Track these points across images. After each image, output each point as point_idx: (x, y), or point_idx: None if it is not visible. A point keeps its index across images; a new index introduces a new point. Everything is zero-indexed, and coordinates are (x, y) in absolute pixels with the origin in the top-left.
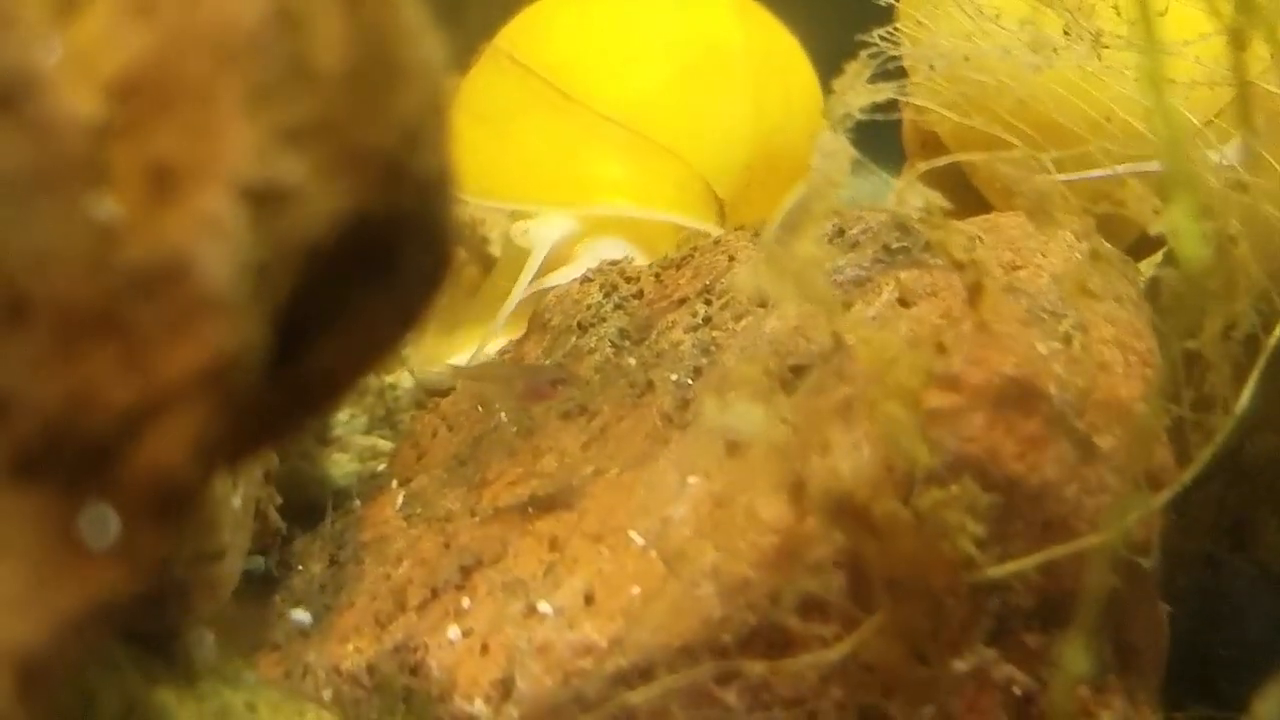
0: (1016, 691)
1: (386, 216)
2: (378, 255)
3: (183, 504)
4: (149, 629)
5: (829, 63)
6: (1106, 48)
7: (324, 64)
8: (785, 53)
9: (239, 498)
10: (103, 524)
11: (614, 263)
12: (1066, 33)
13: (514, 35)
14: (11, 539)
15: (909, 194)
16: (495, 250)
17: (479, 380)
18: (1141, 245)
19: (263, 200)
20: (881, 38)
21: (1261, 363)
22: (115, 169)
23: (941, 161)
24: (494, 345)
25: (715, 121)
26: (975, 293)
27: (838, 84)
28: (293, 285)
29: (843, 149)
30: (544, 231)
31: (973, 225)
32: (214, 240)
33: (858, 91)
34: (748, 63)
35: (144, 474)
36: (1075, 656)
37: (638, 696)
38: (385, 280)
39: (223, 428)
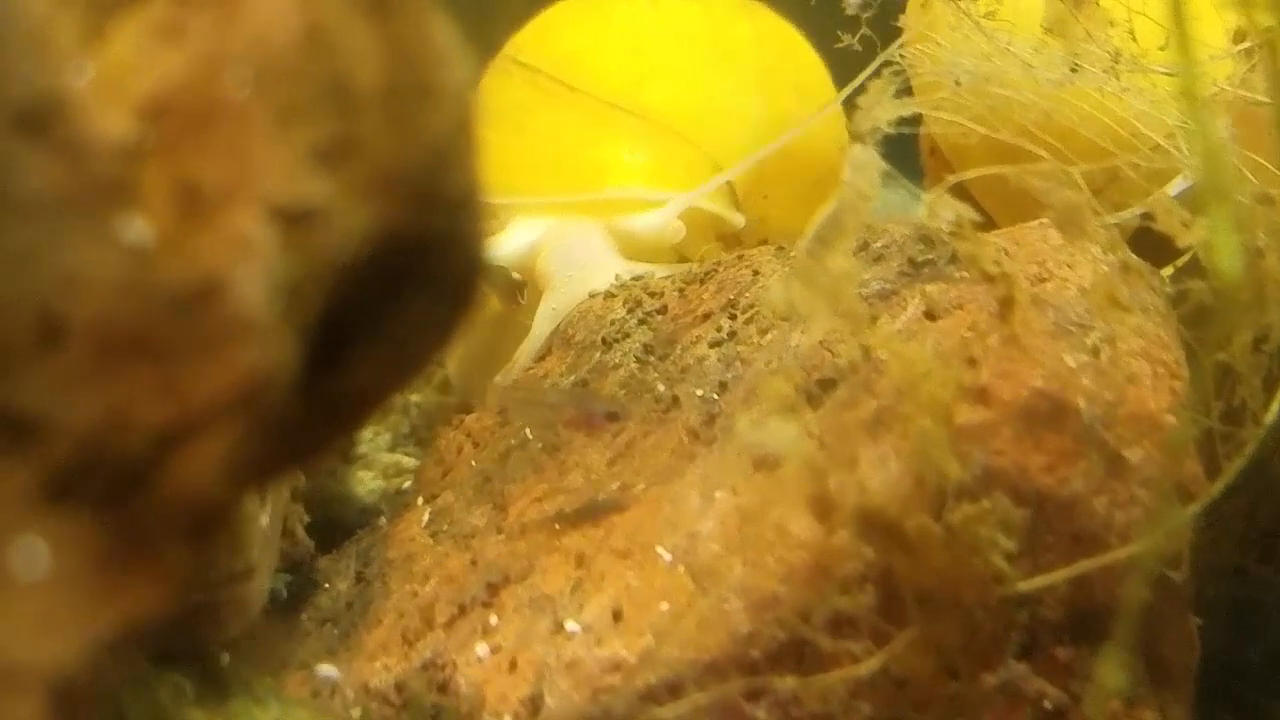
0: (1047, 705)
1: (417, 235)
2: (408, 274)
3: (215, 524)
4: (179, 648)
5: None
6: (1124, 69)
7: (355, 84)
8: (795, 49)
9: (267, 516)
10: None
11: (637, 278)
12: (1074, 68)
13: (527, 40)
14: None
15: (940, 206)
16: (516, 274)
17: (527, 405)
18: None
19: (294, 220)
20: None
21: None
22: (147, 190)
23: (972, 174)
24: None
25: (725, 108)
26: (1006, 306)
27: (863, 99)
28: (324, 305)
29: (873, 162)
30: (500, 244)
31: (997, 237)
32: (246, 261)
33: (885, 105)
34: (757, 55)
35: (177, 495)
36: (1111, 671)
37: (667, 713)
38: (416, 299)
39: (255, 448)
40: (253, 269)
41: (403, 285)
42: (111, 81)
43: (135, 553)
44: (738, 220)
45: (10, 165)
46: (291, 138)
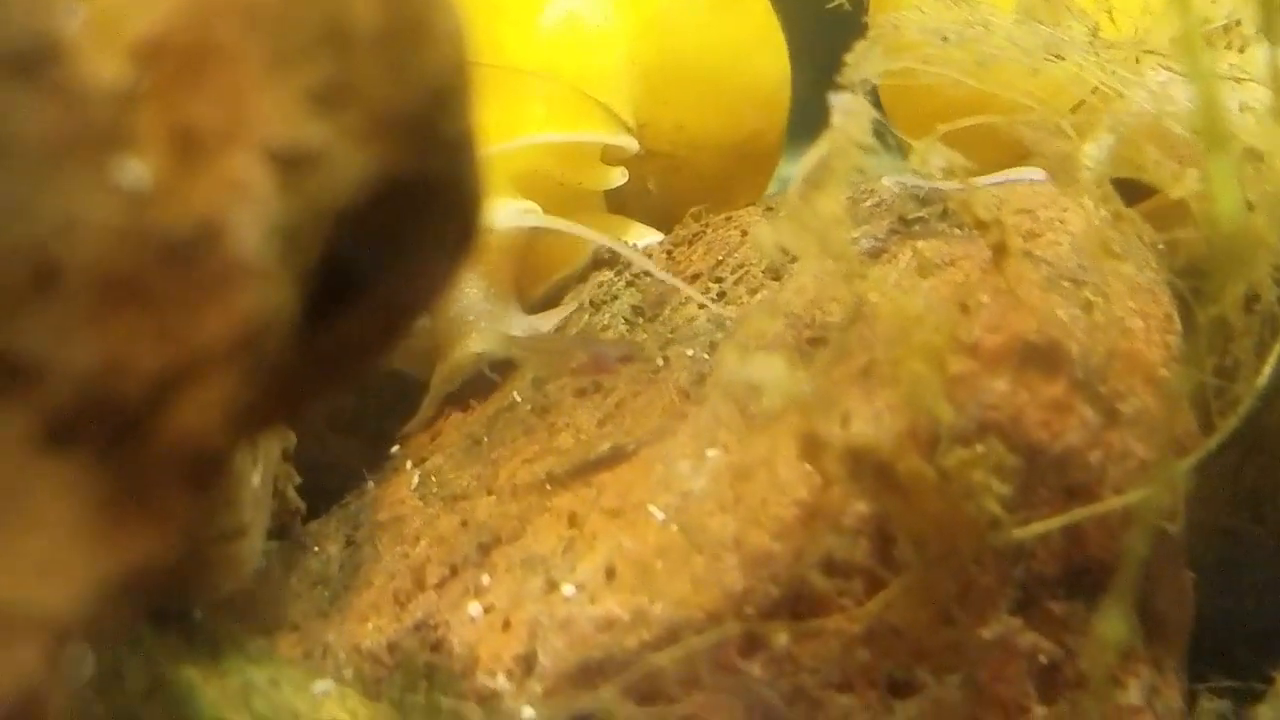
0: (1042, 660)
1: (415, 179)
2: (407, 218)
3: (214, 470)
4: (172, 607)
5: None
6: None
7: (350, 27)
8: None
9: (259, 476)
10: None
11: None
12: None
13: None
14: (45, 507)
15: (931, 153)
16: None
17: (538, 352)
18: None
19: (292, 164)
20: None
21: None
22: (142, 134)
23: (965, 123)
24: None
25: (576, 32)
26: (1000, 253)
27: (850, 56)
28: (322, 249)
29: (863, 108)
30: None
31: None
32: (243, 205)
33: (872, 60)
34: None
35: (176, 440)
36: (1113, 625)
37: (663, 658)
38: (415, 243)
39: (253, 394)
40: (250, 213)
41: (402, 229)
42: (104, 25)
43: (135, 499)
44: (628, 143)
45: (4, 110)
46: (287, 81)
